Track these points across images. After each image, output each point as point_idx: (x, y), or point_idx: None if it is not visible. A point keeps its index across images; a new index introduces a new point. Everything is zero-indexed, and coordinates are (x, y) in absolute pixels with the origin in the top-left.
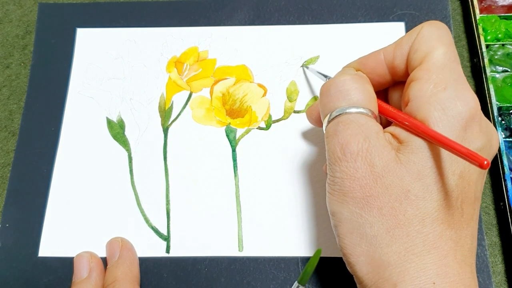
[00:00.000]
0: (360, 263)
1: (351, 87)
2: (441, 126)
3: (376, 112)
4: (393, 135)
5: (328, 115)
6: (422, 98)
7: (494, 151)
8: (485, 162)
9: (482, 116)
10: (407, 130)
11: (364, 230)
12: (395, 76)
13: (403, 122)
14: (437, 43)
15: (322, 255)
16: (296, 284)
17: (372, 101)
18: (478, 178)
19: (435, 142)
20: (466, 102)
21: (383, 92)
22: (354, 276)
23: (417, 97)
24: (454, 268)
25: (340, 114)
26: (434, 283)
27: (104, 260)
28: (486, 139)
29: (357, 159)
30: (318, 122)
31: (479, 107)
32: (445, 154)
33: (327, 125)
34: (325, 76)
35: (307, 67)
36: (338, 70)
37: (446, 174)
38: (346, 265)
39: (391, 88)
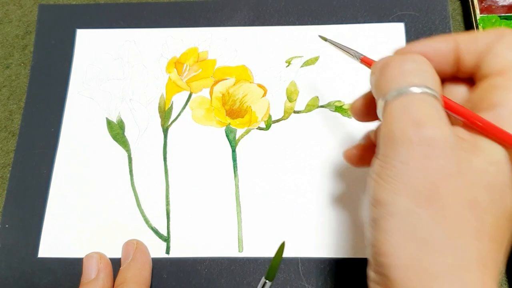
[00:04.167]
0: (400, 267)
1: (425, 67)
2: None
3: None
4: (461, 135)
5: (392, 91)
6: None
7: None
8: None
9: None
10: (480, 133)
11: (416, 232)
12: (456, 70)
13: (478, 124)
14: None
15: (321, 255)
16: (263, 280)
17: (440, 90)
18: None
19: None
20: None
21: None
22: (378, 276)
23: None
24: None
25: (412, 92)
26: None
27: (114, 261)
28: None
29: (436, 146)
30: (364, 113)
31: None
32: None
33: (389, 102)
34: (350, 50)
35: (326, 39)
36: (338, 72)
37: None
38: (374, 264)
39: (446, 82)
